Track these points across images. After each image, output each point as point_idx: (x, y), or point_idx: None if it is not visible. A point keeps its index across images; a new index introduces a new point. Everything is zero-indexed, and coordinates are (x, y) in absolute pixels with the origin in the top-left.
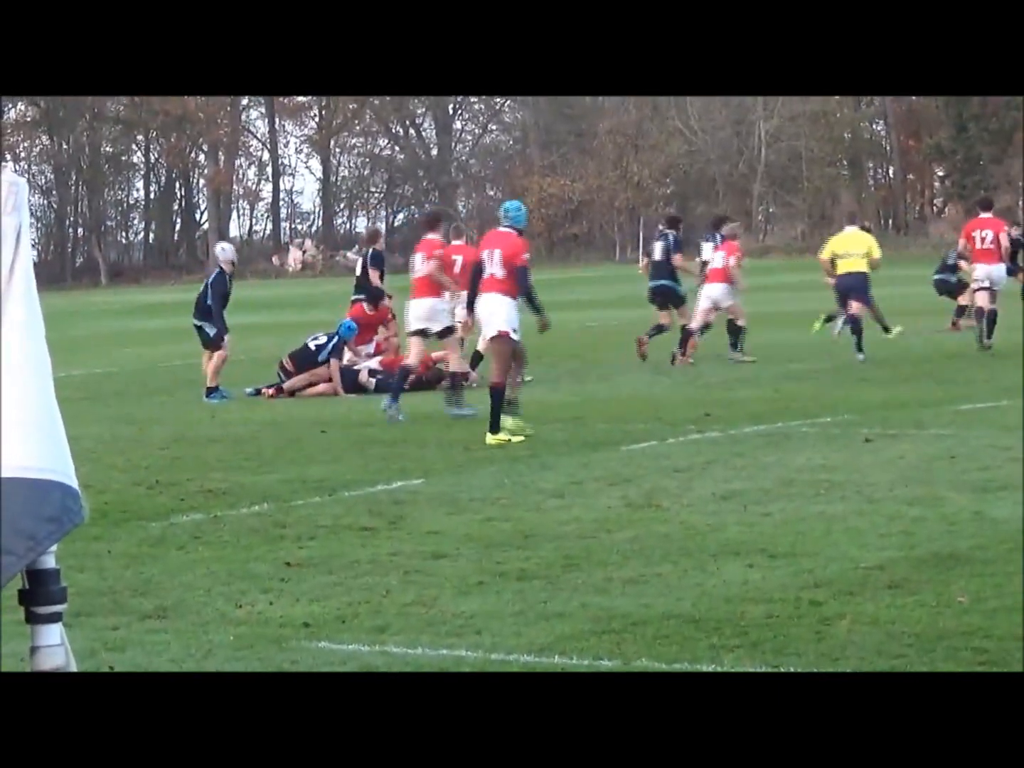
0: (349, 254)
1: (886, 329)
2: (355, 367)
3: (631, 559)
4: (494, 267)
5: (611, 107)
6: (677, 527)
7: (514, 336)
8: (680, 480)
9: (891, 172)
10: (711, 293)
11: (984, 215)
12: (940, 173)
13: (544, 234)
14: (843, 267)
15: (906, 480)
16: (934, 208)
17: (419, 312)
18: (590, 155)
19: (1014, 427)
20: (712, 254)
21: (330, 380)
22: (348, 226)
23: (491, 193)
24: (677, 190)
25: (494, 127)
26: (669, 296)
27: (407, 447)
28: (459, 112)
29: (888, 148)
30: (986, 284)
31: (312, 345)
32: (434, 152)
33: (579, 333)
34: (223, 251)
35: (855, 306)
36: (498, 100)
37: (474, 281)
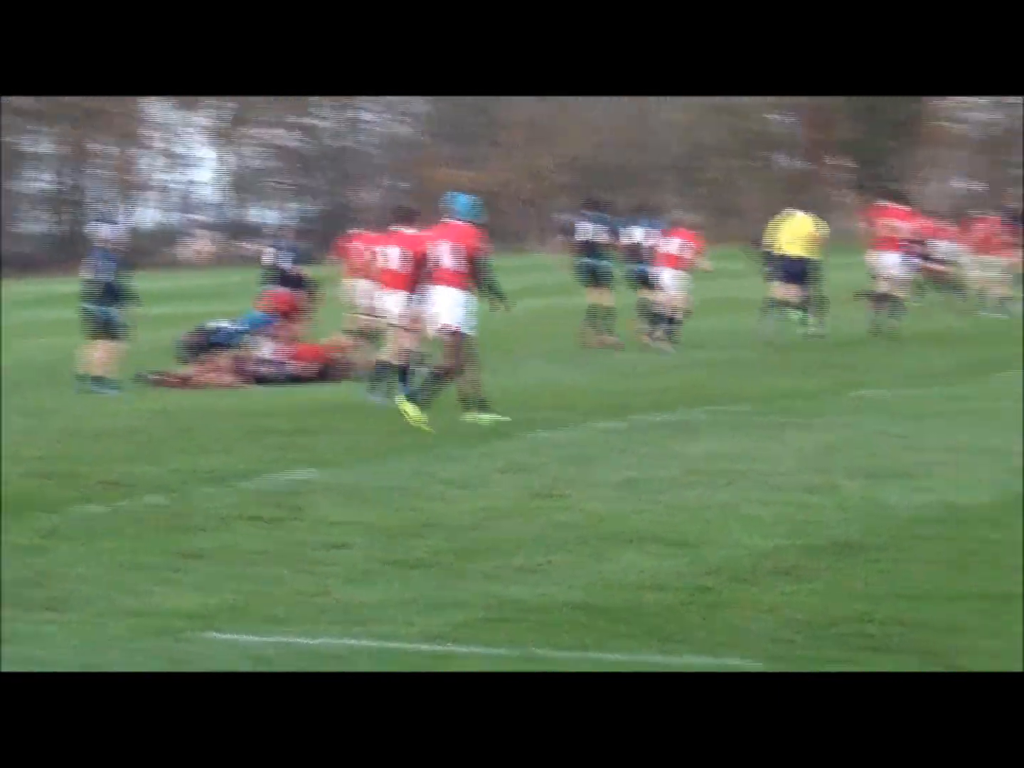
0: (252, 244)
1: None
2: (254, 356)
3: (528, 547)
4: (448, 259)
5: (518, 99)
6: (577, 515)
7: (462, 331)
8: (583, 468)
9: (796, 163)
10: (664, 279)
11: (890, 204)
12: (845, 164)
13: None
14: (789, 251)
15: (804, 468)
16: (838, 199)
17: (389, 305)
18: (497, 147)
19: (909, 415)
20: (653, 238)
21: (225, 369)
22: (252, 217)
23: (395, 184)
24: (583, 181)
25: (400, 119)
26: (600, 274)
27: (305, 437)
28: (365, 103)
29: (793, 139)
30: (883, 272)
31: (212, 327)
32: (339, 143)
33: (486, 322)
34: (110, 230)
35: (791, 290)
36: None
37: (416, 273)
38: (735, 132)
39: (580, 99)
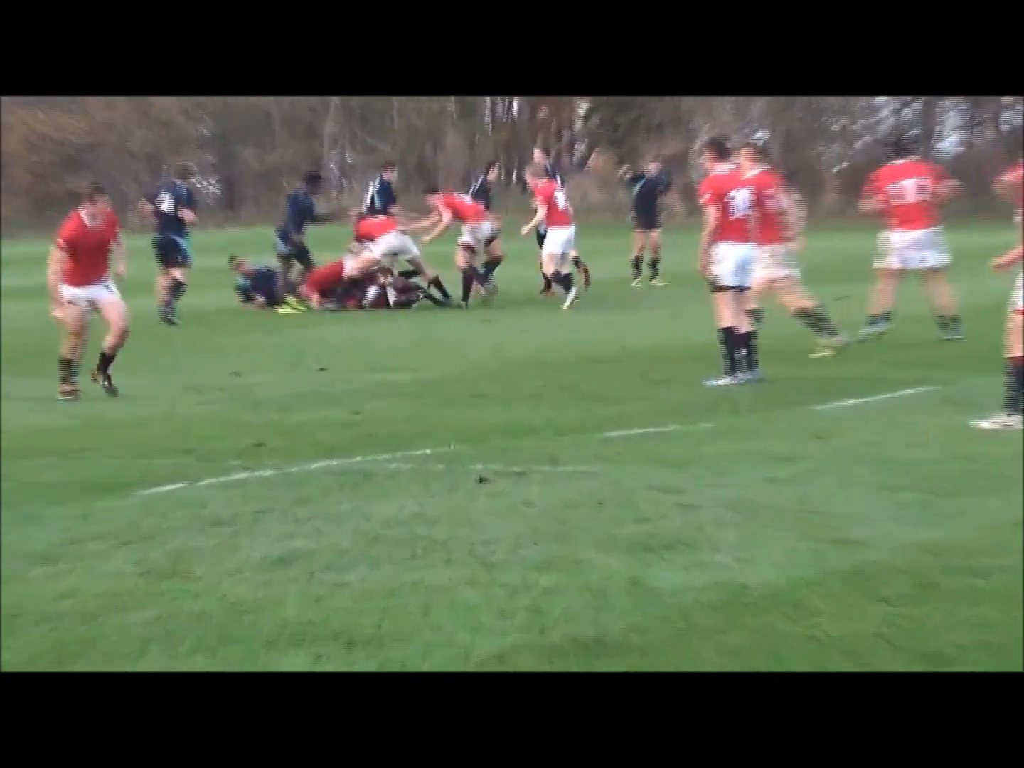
0: None
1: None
2: None
3: (151, 647)
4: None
5: None
6: (216, 604)
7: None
8: (221, 538)
9: None
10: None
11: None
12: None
13: (32, 190)
14: None
15: (536, 536)
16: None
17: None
18: None
19: (683, 462)
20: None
21: None
22: None
23: None
24: (219, 127)
25: None
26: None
27: None
28: None
29: None
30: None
31: None
32: None
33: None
34: None
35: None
36: None
37: None
38: None
39: None
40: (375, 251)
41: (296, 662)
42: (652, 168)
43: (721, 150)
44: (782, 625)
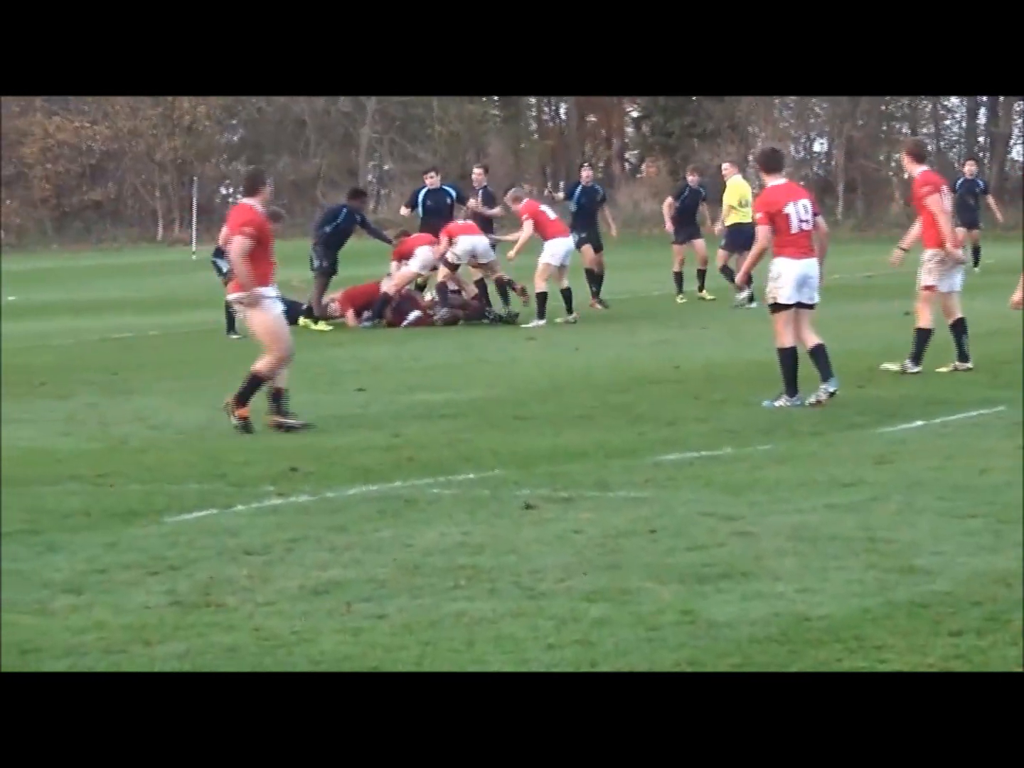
0: None
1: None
2: None
3: None
4: None
5: None
6: (248, 638)
7: None
8: (253, 568)
9: None
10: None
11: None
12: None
13: (52, 201)
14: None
15: (585, 565)
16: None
17: None
18: None
19: (742, 486)
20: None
21: None
22: None
23: None
24: (250, 136)
25: None
26: None
27: None
28: None
29: None
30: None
31: None
32: None
33: (101, 346)
34: None
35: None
36: None
37: None
38: None
39: None
40: (413, 265)
41: None
42: (692, 179)
43: (771, 162)
44: (845, 659)
